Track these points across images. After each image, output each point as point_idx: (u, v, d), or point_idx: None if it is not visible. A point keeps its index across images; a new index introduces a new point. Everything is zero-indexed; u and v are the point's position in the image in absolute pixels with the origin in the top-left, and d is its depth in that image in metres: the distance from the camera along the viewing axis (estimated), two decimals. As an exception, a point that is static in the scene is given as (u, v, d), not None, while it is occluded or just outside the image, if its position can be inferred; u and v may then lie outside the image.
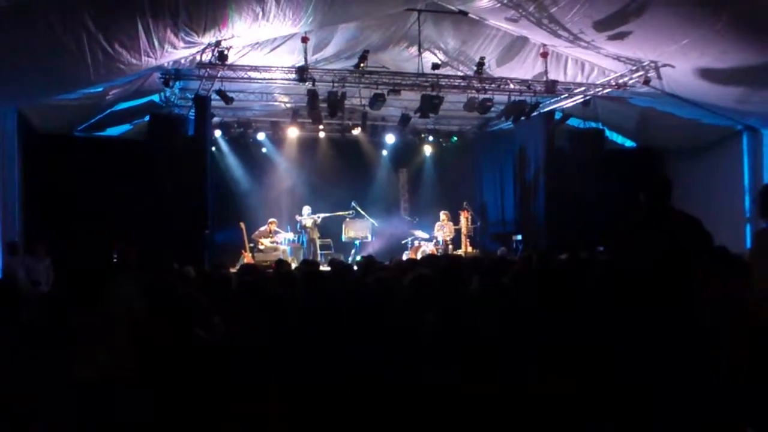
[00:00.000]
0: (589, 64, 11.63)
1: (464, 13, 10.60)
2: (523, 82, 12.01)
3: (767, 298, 4.02)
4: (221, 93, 11.65)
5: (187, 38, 8.82)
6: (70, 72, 8.57)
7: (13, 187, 10.73)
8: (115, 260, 5.44)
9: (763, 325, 3.97)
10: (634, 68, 10.75)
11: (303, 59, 10.75)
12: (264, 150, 16.57)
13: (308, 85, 11.38)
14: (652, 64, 10.38)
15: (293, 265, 9.29)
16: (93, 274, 3.79)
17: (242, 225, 14.12)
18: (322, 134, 16.29)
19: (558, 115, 13.75)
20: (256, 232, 14.34)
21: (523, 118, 13.11)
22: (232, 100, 12.00)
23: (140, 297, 3.93)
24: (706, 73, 9.70)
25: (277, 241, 14.51)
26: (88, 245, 4.00)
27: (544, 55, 11.40)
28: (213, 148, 14.26)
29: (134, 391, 3.41)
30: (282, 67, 11.23)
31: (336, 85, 11.58)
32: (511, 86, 12.11)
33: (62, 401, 3.41)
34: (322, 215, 15.12)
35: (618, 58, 10.61)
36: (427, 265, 6.23)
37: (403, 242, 15.68)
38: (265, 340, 3.71)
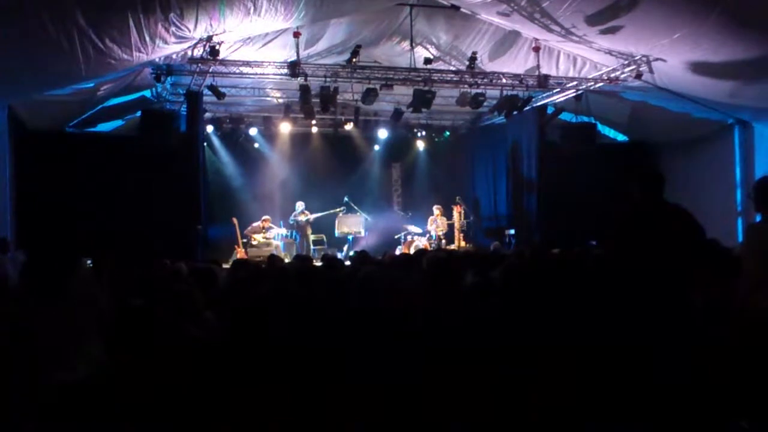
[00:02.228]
0: (581, 59, 11.64)
1: (456, 8, 10.59)
2: (515, 76, 12.03)
3: (758, 290, 4.04)
4: (213, 88, 11.63)
5: (179, 33, 8.79)
6: (60, 67, 8.54)
7: (5, 183, 10.69)
8: (89, 265, 5.39)
9: (754, 316, 4.00)
10: (626, 62, 10.76)
11: (295, 54, 10.74)
12: (256, 145, 16.56)
13: (300, 80, 11.36)
14: (644, 59, 10.40)
15: (286, 261, 9.31)
16: (50, 274, 3.74)
17: (235, 220, 14.08)
18: (314, 129, 16.29)
19: (550, 110, 13.78)
20: (249, 228, 14.32)
21: (515, 112, 13.14)
22: (224, 95, 11.98)
23: (107, 297, 3.89)
24: (698, 67, 9.72)
25: (270, 237, 14.49)
26: (53, 247, 3.90)
27: (537, 49, 11.42)
28: (205, 144, 14.23)
29: (119, 391, 3.39)
30: (274, 62, 11.20)
31: (328, 80, 11.57)
32: (504, 81, 12.13)
33: (50, 402, 3.38)
34: (316, 215, 15.12)
35: (610, 53, 10.62)
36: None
37: (396, 237, 15.69)
38: (258, 338, 3.70)
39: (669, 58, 9.96)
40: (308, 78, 11.35)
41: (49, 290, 3.65)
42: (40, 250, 3.83)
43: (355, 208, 15.68)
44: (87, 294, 3.76)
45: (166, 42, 8.88)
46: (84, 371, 3.50)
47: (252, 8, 8.69)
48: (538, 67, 11.63)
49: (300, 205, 15.06)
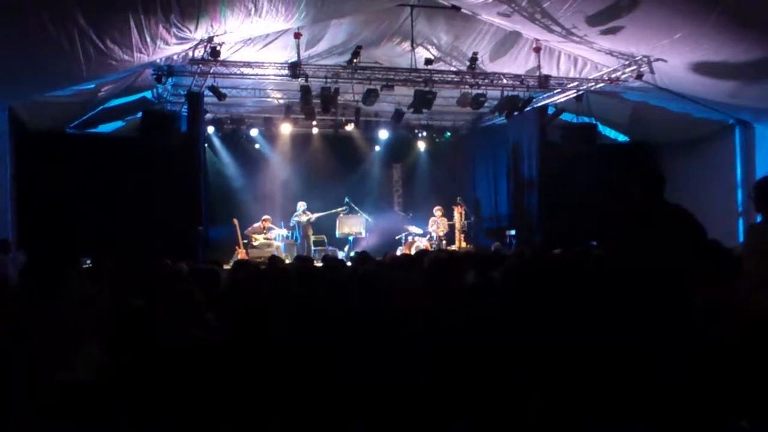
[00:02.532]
0: (582, 59, 11.64)
1: (457, 8, 10.59)
2: (516, 77, 12.02)
3: (759, 291, 4.04)
4: (214, 89, 11.63)
5: (180, 34, 8.80)
6: (61, 68, 8.54)
7: (5, 184, 10.69)
8: (89, 265, 5.39)
9: (754, 316, 4.00)
10: (627, 63, 10.76)
11: (296, 55, 10.74)
12: (257, 146, 16.56)
13: (301, 80, 11.36)
14: (645, 59, 10.40)
15: (287, 262, 9.31)
16: (49, 275, 3.74)
17: (235, 221, 14.09)
18: (315, 130, 16.29)
19: (551, 110, 13.77)
20: (250, 229, 14.32)
21: (516, 113, 13.14)
22: (224, 96, 11.98)
23: (107, 297, 3.88)
24: (699, 68, 9.72)
25: (271, 238, 14.50)
26: (52, 248, 3.92)
27: (537, 50, 11.41)
28: (206, 145, 14.23)
29: (119, 391, 3.38)
30: (275, 62, 11.20)
31: (329, 80, 11.56)
32: (504, 81, 12.13)
33: (50, 402, 3.38)
34: (317, 215, 15.12)
35: (611, 53, 10.62)
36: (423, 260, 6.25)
37: (396, 238, 15.69)
38: (258, 338, 3.70)
39: (670, 59, 9.96)
40: (309, 79, 11.35)
41: (49, 290, 3.66)
42: (39, 251, 3.84)
43: (356, 208, 15.69)
44: (86, 294, 3.76)
45: (167, 43, 8.89)
46: (84, 371, 3.50)
47: (253, 9, 8.69)
48: (538, 67, 11.63)
49: (301, 206, 15.06)
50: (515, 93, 12.53)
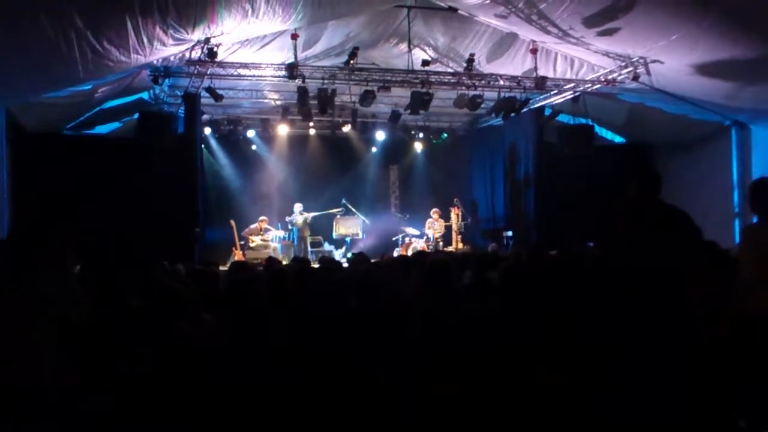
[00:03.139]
0: (579, 61, 11.65)
1: (454, 10, 10.61)
2: (512, 78, 12.02)
3: (755, 291, 4.06)
4: (211, 90, 11.61)
5: (177, 35, 8.79)
6: (58, 69, 8.52)
7: (2, 185, 10.66)
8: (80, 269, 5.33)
9: (751, 317, 4.01)
10: (623, 64, 10.78)
11: (293, 56, 10.73)
12: (254, 147, 16.56)
13: (298, 82, 11.35)
14: (641, 60, 10.42)
15: (284, 263, 9.30)
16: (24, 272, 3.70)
17: (232, 222, 14.09)
18: (312, 131, 16.28)
19: (548, 112, 13.79)
20: (247, 230, 14.32)
21: (513, 114, 13.14)
22: (221, 97, 11.96)
23: (80, 298, 3.84)
24: (695, 69, 9.73)
25: (268, 239, 14.49)
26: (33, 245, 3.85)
27: (534, 51, 11.42)
28: (203, 146, 14.23)
29: (119, 392, 3.37)
30: (272, 64, 11.19)
31: (326, 82, 11.56)
32: (501, 82, 12.13)
33: (47, 402, 3.36)
34: (312, 214, 15.13)
35: (607, 54, 10.63)
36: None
37: (393, 239, 15.70)
38: (257, 339, 3.70)
39: (666, 60, 9.98)
40: (306, 80, 11.35)
41: (23, 289, 3.62)
42: (16, 248, 3.79)
43: (353, 210, 15.70)
44: (64, 295, 3.72)
45: (163, 44, 8.88)
46: (71, 372, 3.49)
47: (250, 10, 8.69)
48: (535, 68, 11.63)
49: (298, 207, 15.06)
50: (512, 94, 12.54)
